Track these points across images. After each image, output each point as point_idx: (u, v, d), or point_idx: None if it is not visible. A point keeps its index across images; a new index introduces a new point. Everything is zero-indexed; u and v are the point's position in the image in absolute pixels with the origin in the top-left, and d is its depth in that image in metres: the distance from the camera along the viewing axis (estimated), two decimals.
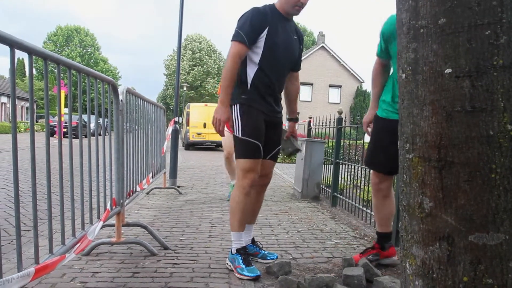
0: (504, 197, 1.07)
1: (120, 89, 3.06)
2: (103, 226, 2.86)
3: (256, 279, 2.50)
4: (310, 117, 7.10)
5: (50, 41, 48.93)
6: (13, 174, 1.57)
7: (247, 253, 2.68)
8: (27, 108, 35.05)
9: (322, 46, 35.80)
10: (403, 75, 1.25)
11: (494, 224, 1.07)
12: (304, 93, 36.68)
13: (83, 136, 2.35)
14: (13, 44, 1.59)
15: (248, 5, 2.87)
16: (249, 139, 2.54)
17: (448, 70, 1.12)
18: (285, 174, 8.93)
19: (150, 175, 4.35)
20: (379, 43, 2.77)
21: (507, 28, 1.07)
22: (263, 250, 2.99)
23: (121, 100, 2.98)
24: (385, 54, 2.72)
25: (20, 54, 1.70)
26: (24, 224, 3.65)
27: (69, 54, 47.31)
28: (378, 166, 2.85)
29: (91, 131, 2.48)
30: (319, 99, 34.80)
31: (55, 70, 2.09)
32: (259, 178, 2.66)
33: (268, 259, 2.90)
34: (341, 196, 5.17)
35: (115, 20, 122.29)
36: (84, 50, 50.28)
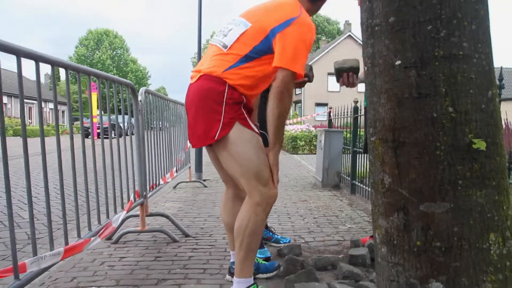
0: (448, 171, 1.22)
1: (140, 91, 3.33)
2: (129, 217, 3.15)
3: (266, 260, 2.70)
4: (330, 108, 7.22)
5: (82, 45, 50.72)
6: (43, 173, 1.84)
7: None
8: (62, 111, 36.83)
9: (349, 35, 35.37)
10: (365, 68, 1.41)
11: (440, 195, 1.23)
12: (332, 83, 36.35)
13: (105, 136, 2.62)
14: (38, 59, 1.85)
15: None
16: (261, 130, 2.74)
17: (398, 62, 1.28)
18: (310, 165, 9.07)
19: (174, 169, 4.63)
20: None
21: (446, 23, 1.21)
22: (276, 235, 3.19)
23: (140, 101, 3.24)
24: None
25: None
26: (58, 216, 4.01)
27: (100, 57, 48.85)
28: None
29: (115, 132, 2.75)
30: (347, 89, 34.40)
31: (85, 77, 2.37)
32: None
33: (281, 243, 3.10)
34: (359, 184, 5.28)
35: (144, 21, 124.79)
36: (114, 52, 51.80)
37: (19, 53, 1.69)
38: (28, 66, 1.74)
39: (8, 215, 1.56)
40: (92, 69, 2.41)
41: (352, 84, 2.72)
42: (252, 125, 1.93)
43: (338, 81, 2.74)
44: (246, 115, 1.91)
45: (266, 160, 1.96)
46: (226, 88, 1.85)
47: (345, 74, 2.68)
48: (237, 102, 1.88)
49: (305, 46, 1.85)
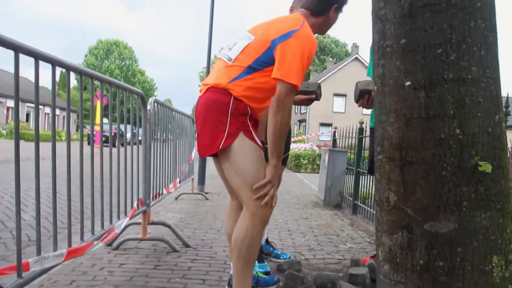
0: (454, 191, 1.24)
1: (149, 100, 3.38)
2: (131, 224, 3.15)
3: (266, 274, 2.69)
4: (335, 128, 7.26)
5: (91, 54, 51.39)
6: (52, 175, 1.86)
7: (261, 251, 2.89)
8: (64, 117, 37.15)
9: (356, 58, 35.68)
10: (375, 87, 1.44)
11: (445, 214, 1.24)
12: (338, 104, 36.55)
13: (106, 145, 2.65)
14: (55, 62, 1.89)
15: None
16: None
17: (408, 83, 1.31)
18: (312, 184, 9.06)
19: (178, 180, 4.65)
20: (369, 64, 2.99)
21: (455, 47, 1.25)
22: (277, 250, 3.18)
23: (149, 110, 3.28)
24: None
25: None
26: (60, 221, 4.02)
27: (108, 67, 49.43)
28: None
29: (123, 139, 2.78)
30: (353, 110, 34.56)
31: (96, 83, 2.41)
32: None
33: (281, 258, 3.09)
34: (361, 204, 5.27)
35: (154, 35, 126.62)
36: (123, 63, 52.44)
37: (38, 56, 1.73)
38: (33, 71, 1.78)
39: (16, 212, 1.58)
40: (104, 76, 2.46)
41: (370, 106, 2.72)
42: (256, 138, 1.96)
43: (357, 101, 2.74)
44: (251, 127, 1.94)
45: (264, 173, 1.97)
46: (232, 99, 1.90)
47: (367, 95, 2.68)
48: (242, 113, 1.92)
49: (303, 59, 1.88)
